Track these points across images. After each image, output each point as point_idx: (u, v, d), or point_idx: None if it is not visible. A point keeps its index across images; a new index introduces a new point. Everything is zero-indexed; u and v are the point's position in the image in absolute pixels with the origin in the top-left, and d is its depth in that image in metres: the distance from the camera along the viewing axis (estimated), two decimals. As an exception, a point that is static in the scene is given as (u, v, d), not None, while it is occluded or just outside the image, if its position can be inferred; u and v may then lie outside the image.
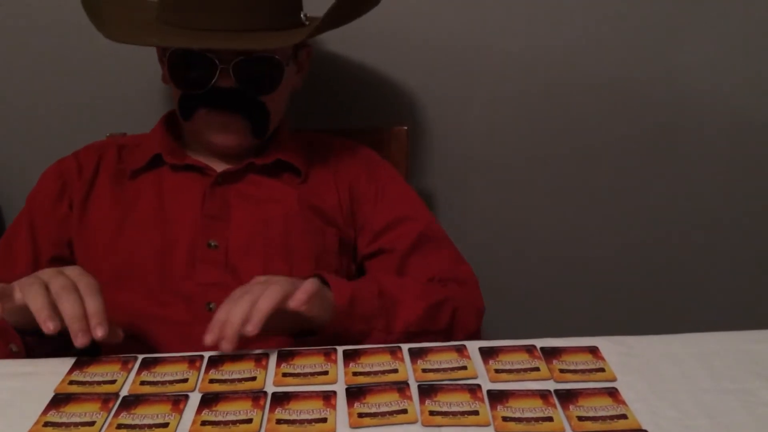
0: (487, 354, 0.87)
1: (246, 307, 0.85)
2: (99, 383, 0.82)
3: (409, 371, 0.84)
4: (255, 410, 0.77)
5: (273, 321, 0.86)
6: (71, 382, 0.82)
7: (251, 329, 0.84)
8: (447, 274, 1.12)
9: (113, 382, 0.83)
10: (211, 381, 0.83)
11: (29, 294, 0.82)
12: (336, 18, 1.08)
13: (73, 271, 0.87)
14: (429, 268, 1.13)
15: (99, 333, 0.82)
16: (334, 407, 0.77)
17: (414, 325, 1.02)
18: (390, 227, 1.16)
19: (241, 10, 1.03)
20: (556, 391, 0.80)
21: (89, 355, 0.87)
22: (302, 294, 0.87)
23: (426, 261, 1.13)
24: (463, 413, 0.76)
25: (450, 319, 1.06)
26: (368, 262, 1.17)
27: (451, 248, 1.17)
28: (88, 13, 1.10)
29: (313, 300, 0.89)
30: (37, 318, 0.81)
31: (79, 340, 0.81)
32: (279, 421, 0.75)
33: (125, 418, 0.76)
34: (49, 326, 0.80)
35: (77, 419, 0.76)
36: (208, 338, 0.85)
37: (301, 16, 1.11)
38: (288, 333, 0.95)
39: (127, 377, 0.84)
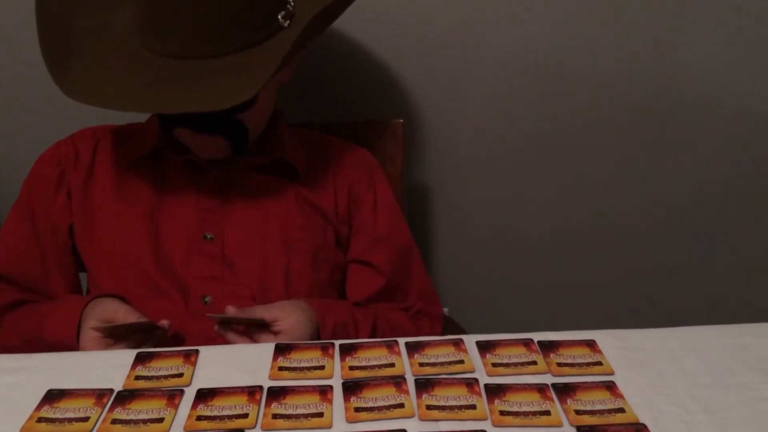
0: (484, 348, 0.86)
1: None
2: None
3: (406, 365, 0.83)
4: (251, 405, 0.76)
5: None
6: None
7: None
8: (422, 305, 1.17)
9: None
10: (207, 375, 0.82)
11: None
12: (311, 32, 1.02)
13: None
14: (407, 295, 1.17)
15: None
16: (330, 402, 0.77)
17: None
18: (385, 241, 1.17)
19: (210, 36, 0.98)
20: (553, 384, 0.79)
21: None
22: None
23: (406, 286, 1.18)
24: (460, 407, 0.76)
25: None
26: (353, 266, 1.18)
27: (425, 274, 1.22)
28: (49, 68, 1.00)
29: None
30: None
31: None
32: (275, 416, 0.75)
33: (120, 413, 0.75)
34: None
35: (71, 414, 0.75)
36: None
37: (279, 18, 1.03)
38: None
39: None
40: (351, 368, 0.83)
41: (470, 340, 0.88)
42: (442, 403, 0.76)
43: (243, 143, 1.09)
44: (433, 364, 0.83)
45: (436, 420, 0.74)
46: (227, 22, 0.97)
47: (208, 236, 1.09)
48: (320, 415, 0.75)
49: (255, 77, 0.96)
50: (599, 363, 0.83)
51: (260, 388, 0.79)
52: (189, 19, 0.97)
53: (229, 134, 1.06)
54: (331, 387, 0.79)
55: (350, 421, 0.74)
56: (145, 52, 1.01)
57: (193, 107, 0.97)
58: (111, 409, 0.76)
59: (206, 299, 1.06)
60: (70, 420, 0.75)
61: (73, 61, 1.02)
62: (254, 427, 0.74)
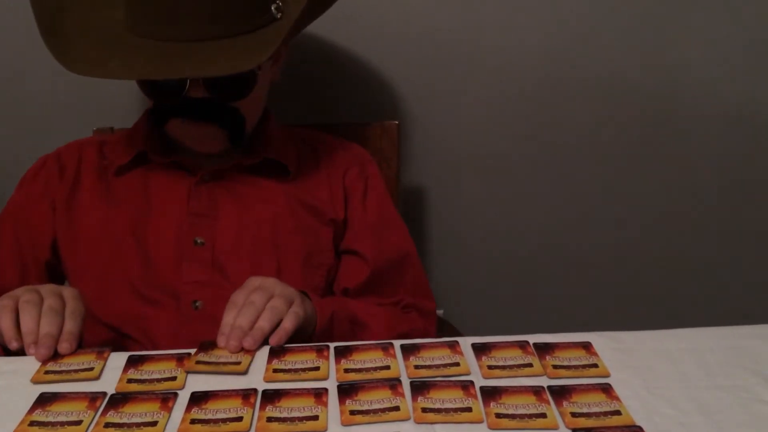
0: (480, 350, 0.86)
1: (252, 316, 0.88)
2: (76, 371, 0.82)
3: (401, 368, 0.83)
4: (245, 408, 0.76)
5: None
6: (47, 372, 0.82)
7: (276, 342, 0.88)
8: (412, 300, 1.15)
9: (91, 369, 0.82)
10: (201, 378, 0.82)
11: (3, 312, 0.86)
12: (306, 19, 1.06)
13: (66, 291, 0.90)
14: (397, 290, 1.15)
15: (63, 348, 0.84)
16: (325, 404, 0.76)
17: None
18: (372, 230, 1.16)
19: (207, 18, 0.99)
20: (549, 387, 0.79)
21: None
22: (283, 333, 0.89)
23: (396, 282, 1.15)
24: (455, 410, 0.75)
25: None
26: (343, 257, 1.17)
27: (420, 273, 1.19)
28: (46, 42, 1.02)
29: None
30: (4, 335, 0.85)
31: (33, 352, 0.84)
32: (269, 419, 0.74)
33: (113, 417, 0.75)
34: (13, 345, 0.84)
35: (64, 418, 0.75)
36: (221, 340, 0.87)
37: (272, 9, 1.04)
38: None
39: (104, 365, 0.84)
40: (346, 371, 0.82)
41: (466, 343, 0.88)
42: (437, 405, 0.76)
43: (240, 133, 1.08)
44: (429, 367, 0.83)
45: (432, 423, 0.74)
46: (223, 4, 0.99)
47: (199, 241, 1.08)
48: (315, 418, 0.74)
49: (260, 50, 0.98)
50: (595, 365, 0.83)
51: (255, 390, 0.79)
52: (185, 2, 0.97)
53: (226, 123, 1.06)
54: (326, 390, 0.79)
55: (345, 424, 0.74)
56: (140, 39, 1.01)
57: (212, 71, 0.98)
58: (104, 413, 0.75)
59: (197, 304, 1.05)
60: (62, 424, 0.74)
61: (71, 41, 1.02)
62: (249, 430, 0.73)
